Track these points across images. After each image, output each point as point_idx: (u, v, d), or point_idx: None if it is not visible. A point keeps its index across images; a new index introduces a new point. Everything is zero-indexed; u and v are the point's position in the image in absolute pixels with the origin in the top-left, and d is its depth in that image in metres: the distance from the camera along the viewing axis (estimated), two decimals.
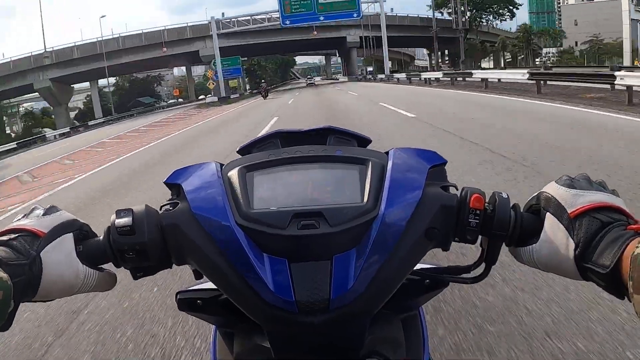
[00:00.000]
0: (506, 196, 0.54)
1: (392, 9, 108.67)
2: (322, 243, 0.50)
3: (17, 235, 0.50)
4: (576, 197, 0.50)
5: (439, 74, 25.10)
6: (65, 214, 0.55)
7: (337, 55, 78.03)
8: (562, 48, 78.64)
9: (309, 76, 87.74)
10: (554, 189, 0.52)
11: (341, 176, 0.56)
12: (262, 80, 50.44)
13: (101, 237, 0.55)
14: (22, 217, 0.54)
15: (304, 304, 0.49)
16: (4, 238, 0.49)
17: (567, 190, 0.51)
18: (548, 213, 0.51)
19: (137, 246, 0.52)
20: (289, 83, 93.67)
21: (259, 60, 73.08)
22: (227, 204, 0.53)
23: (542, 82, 13.03)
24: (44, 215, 0.53)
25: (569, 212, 0.49)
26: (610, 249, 0.45)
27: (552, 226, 0.50)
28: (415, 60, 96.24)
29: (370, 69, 58.99)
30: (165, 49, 47.19)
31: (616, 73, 9.56)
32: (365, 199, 0.52)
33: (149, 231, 0.53)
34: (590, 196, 0.49)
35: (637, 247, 0.42)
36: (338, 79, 69.49)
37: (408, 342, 0.62)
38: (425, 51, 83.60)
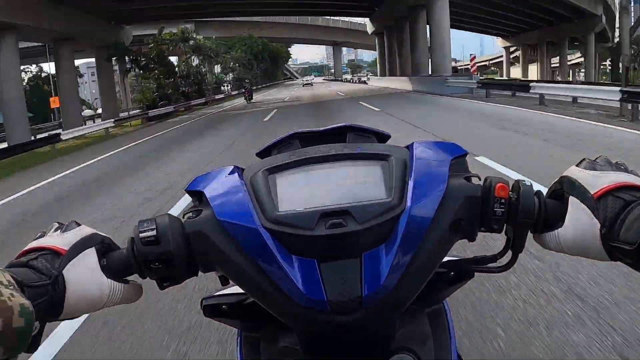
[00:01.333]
0: (529, 183, 0.54)
1: None
2: (351, 241, 0.50)
3: (37, 255, 0.49)
4: (597, 178, 0.50)
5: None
6: (86, 229, 0.54)
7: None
8: None
9: (306, 77, 73.78)
10: (575, 172, 0.52)
11: (365, 173, 0.56)
12: (246, 81, 43.85)
13: (124, 249, 0.54)
14: (40, 235, 0.53)
15: (336, 303, 0.49)
16: (24, 259, 0.49)
17: (588, 172, 0.51)
18: (571, 196, 0.51)
19: (162, 256, 0.52)
20: (280, 84, 74.66)
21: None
22: (252, 208, 0.52)
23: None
24: (63, 231, 0.53)
25: (592, 193, 0.49)
26: (635, 225, 0.45)
27: (576, 209, 0.50)
28: None
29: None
30: None
31: None
32: (391, 195, 0.52)
33: (173, 240, 0.52)
34: (612, 176, 0.50)
35: None
36: (366, 79, 48.32)
37: (435, 337, 0.62)
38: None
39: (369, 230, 0.50)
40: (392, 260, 0.50)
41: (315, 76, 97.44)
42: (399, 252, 0.50)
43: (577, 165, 0.53)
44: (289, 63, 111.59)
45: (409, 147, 0.59)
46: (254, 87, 43.28)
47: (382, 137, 0.68)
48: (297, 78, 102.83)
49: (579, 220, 0.50)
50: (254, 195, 0.54)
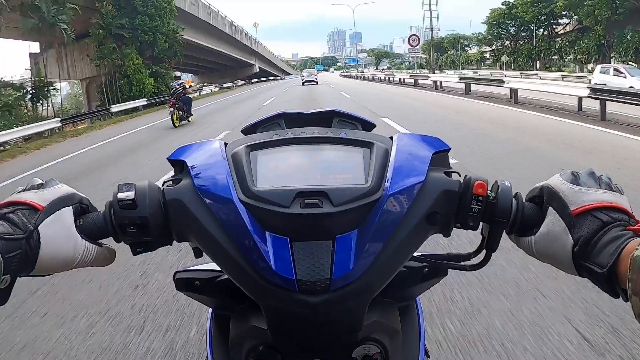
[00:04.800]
0: (508, 184, 0.55)
1: None
2: (324, 223, 0.50)
3: (15, 208, 0.49)
4: (579, 194, 0.50)
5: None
6: (65, 187, 0.54)
7: None
8: None
9: (307, 71, 45.23)
10: (557, 184, 0.52)
11: (345, 158, 0.56)
12: (176, 75, 20.01)
13: (101, 212, 0.55)
14: (21, 190, 0.53)
15: (304, 283, 0.49)
16: (2, 211, 0.49)
17: (570, 186, 0.51)
18: (550, 207, 0.51)
19: (138, 220, 0.52)
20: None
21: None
22: (230, 181, 0.53)
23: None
24: (43, 188, 0.53)
25: (571, 209, 0.49)
26: (608, 249, 0.45)
27: (552, 221, 0.50)
28: None
29: None
30: None
31: None
32: (369, 181, 0.52)
33: (150, 205, 0.53)
34: (594, 195, 0.49)
35: (637, 248, 0.41)
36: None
37: (404, 331, 0.62)
38: None
39: (344, 213, 0.50)
40: (364, 246, 0.50)
41: (318, 71, 71.08)
42: (372, 239, 0.50)
43: (560, 176, 0.53)
44: (278, 55, 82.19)
45: (393, 138, 0.59)
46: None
47: (367, 126, 0.68)
48: (282, 78, 71.45)
49: (553, 232, 0.50)
50: (234, 169, 0.54)
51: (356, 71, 68.45)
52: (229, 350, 0.62)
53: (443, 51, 71.92)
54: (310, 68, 62.49)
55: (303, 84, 37.15)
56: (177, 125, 12.80)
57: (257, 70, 61.42)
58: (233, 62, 52.09)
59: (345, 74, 75.14)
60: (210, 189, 0.53)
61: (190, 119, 13.75)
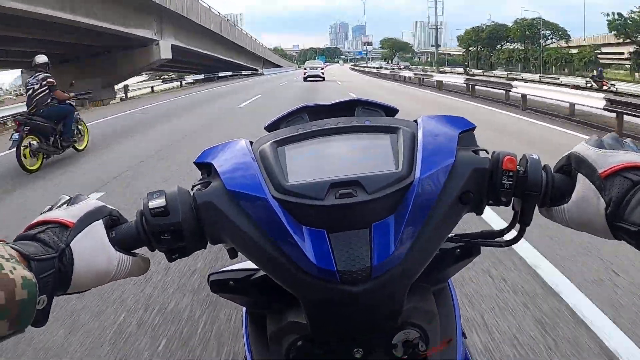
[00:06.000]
0: (537, 157, 0.55)
1: None
2: (360, 211, 0.51)
3: (45, 228, 0.49)
4: (606, 157, 0.50)
5: None
6: (93, 201, 0.54)
7: None
8: None
9: (312, 62, 33.31)
10: (583, 149, 0.53)
11: (373, 145, 0.57)
12: (37, 64, 6.59)
13: (132, 222, 0.55)
14: (48, 209, 0.53)
15: (345, 273, 0.49)
16: (32, 232, 0.48)
17: (597, 150, 0.52)
18: (579, 173, 0.52)
19: (171, 227, 0.52)
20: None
21: None
22: (261, 179, 0.53)
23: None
24: (71, 204, 0.53)
25: (599, 172, 0.50)
26: None
27: (583, 186, 0.51)
28: None
29: None
30: None
31: None
32: (400, 166, 0.53)
33: (182, 211, 0.53)
34: (621, 156, 0.50)
35: None
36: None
37: (440, 315, 0.62)
38: None
39: (379, 200, 0.51)
40: (401, 231, 0.50)
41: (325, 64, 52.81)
42: (408, 223, 0.51)
43: (585, 142, 0.53)
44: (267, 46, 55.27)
45: (417, 121, 0.59)
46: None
47: (390, 111, 0.67)
48: (260, 74, 46.25)
49: (585, 197, 0.50)
50: (264, 166, 0.54)
51: (365, 64, 58.68)
52: (267, 348, 0.62)
53: (485, 43, 52.84)
54: (312, 59, 44.80)
55: (305, 79, 27.91)
56: (32, 168, 6.00)
57: (167, 55, 23.07)
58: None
59: (355, 67, 64.47)
60: (242, 188, 0.53)
61: (80, 145, 7.28)
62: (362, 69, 53.23)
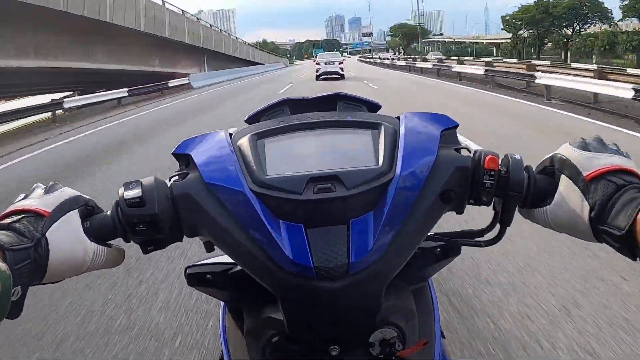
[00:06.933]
0: (519, 157, 0.55)
1: None
2: (339, 207, 0.50)
3: (20, 217, 0.48)
4: (591, 159, 0.50)
5: None
6: (69, 190, 0.53)
7: None
8: None
9: (326, 55, 23.39)
10: (568, 151, 0.52)
11: (354, 140, 0.56)
12: None
13: (109, 212, 0.54)
14: (23, 197, 0.52)
15: (322, 269, 0.49)
16: (6, 221, 0.47)
17: (581, 152, 0.51)
18: (563, 175, 0.51)
19: (147, 218, 0.51)
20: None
21: None
22: (239, 171, 0.52)
23: None
24: (46, 193, 0.51)
25: (584, 174, 0.49)
26: (625, 211, 0.46)
27: (567, 188, 0.51)
28: None
29: None
30: None
31: None
32: (381, 162, 0.52)
33: (159, 202, 0.52)
34: (605, 159, 0.50)
35: None
36: None
37: (419, 314, 0.62)
38: None
39: (358, 196, 0.50)
40: (380, 228, 0.50)
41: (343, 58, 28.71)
42: (388, 220, 0.50)
43: (570, 144, 0.53)
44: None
45: (400, 117, 0.59)
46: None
47: (373, 107, 0.67)
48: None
49: (569, 200, 0.50)
50: (242, 159, 0.53)
51: (372, 55, 56.41)
52: (244, 343, 0.61)
53: (534, 25, 41.13)
54: (324, 52, 30.32)
55: (318, 78, 20.96)
56: None
57: None
58: None
59: (363, 59, 57.86)
60: (220, 181, 0.52)
61: None
62: (373, 60, 46.33)
